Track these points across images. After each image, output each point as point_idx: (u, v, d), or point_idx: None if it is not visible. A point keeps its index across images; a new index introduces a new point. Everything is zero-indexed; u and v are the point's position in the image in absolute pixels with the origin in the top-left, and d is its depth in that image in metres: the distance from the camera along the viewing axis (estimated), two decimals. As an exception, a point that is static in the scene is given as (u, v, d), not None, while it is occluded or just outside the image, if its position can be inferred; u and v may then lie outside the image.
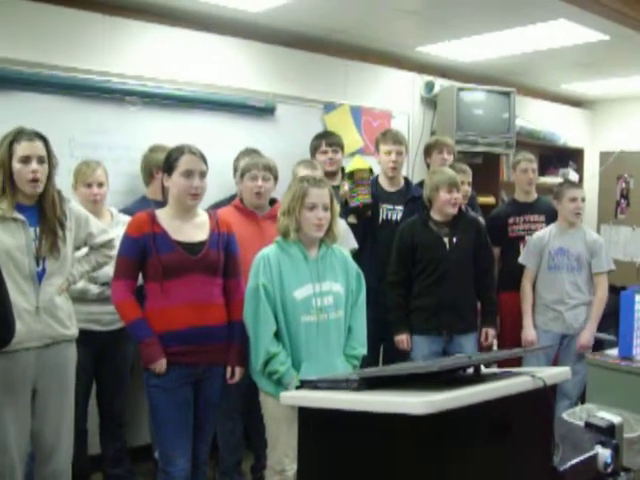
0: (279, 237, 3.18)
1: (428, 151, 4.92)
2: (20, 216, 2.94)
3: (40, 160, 2.94)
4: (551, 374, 2.03)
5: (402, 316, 4.09)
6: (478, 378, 1.96)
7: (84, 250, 3.31)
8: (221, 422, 3.70)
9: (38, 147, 2.95)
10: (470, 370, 2.09)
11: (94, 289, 3.56)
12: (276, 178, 3.79)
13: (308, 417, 1.94)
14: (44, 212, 2.99)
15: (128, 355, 3.82)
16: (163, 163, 3.20)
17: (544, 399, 1.99)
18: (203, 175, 3.13)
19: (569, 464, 2.23)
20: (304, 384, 2.09)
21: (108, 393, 3.87)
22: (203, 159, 3.16)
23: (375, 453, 1.78)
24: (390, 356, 4.29)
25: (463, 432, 1.74)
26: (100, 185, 3.79)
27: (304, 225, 3.12)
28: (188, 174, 3.09)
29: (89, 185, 3.76)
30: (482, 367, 2.17)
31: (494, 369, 2.53)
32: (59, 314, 3.04)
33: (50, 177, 3.00)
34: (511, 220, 4.98)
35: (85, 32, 4.27)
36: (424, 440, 1.68)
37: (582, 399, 4.24)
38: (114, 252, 3.24)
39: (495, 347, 5.13)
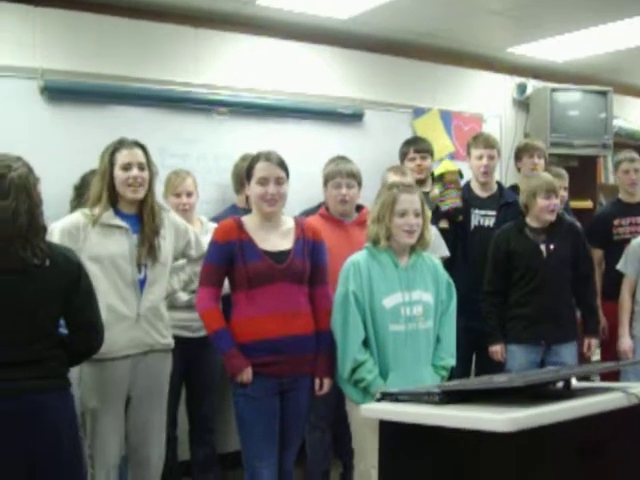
0: (369, 244, 3.14)
1: (518, 155, 4.79)
2: (124, 223, 3.03)
3: (140, 167, 3.03)
4: (647, 389, 1.92)
5: (497, 326, 3.96)
6: (568, 393, 1.87)
7: (182, 261, 3.37)
8: (309, 431, 3.68)
9: (138, 154, 3.05)
10: (560, 384, 2.00)
11: (183, 296, 3.60)
12: (360, 184, 3.74)
13: (389, 430, 1.90)
14: (143, 220, 3.06)
15: (218, 361, 3.81)
16: (245, 172, 3.22)
17: (640, 416, 1.88)
18: (280, 181, 3.10)
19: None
20: (385, 396, 2.05)
21: (197, 399, 3.92)
22: (281, 165, 3.13)
23: (457, 468, 1.72)
24: (483, 366, 4.18)
25: (550, 450, 1.66)
26: (189, 195, 3.87)
27: (395, 232, 3.07)
28: (263, 181, 3.07)
29: (178, 195, 3.84)
30: (574, 381, 2.07)
31: (589, 383, 2.41)
32: (159, 323, 3.11)
33: (150, 185, 3.08)
34: (616, 222, 4.77)
35: (176, 45, 4.39)
36: (508, 457, 1.61)
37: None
38: None
39: (598, 358, 4.94)
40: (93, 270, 2.90)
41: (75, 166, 3.74)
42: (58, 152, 3.89)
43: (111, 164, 3.02)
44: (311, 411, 3.38)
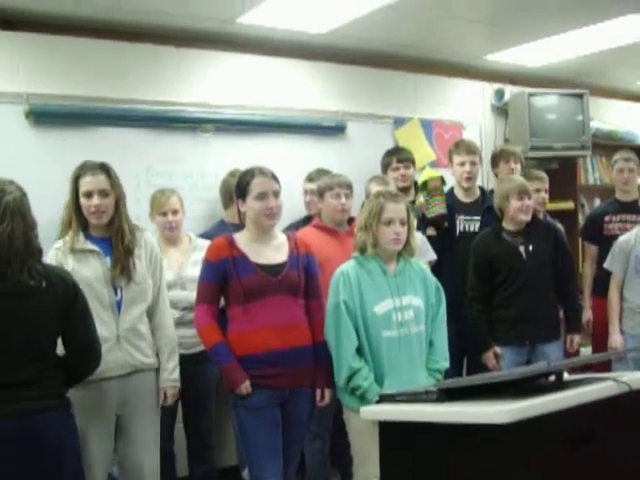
0: (356, 252, 3.18)
1: (495, 161, 4.85)
2: (95, 247, 3.03)
3: (102, 193, 3.01)
4: (637, 378, 1.97)
5: (487, 332, 3.98)
6: (560, 385, 1.92)
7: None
8: (310, 441, 3.69)
9: (100, 181, 3.02)
10: (552, 378, 2.05)
11: (175, 313, 3.60)
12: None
13: (389, 431, 1.94)
14: (113, 242, 3.05)
15: (212, 376, 3.85)
16: (235, 189, 3.23)
17: (632, 404, 1.92)
18: (277, 194, 3.14)
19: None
20: (383, 398, 2.09)
21: (194, 415, 3.92)
22: (275, 178, 3.17)
23: (459, 463, 1.76)
24: (474, 370, 4.22)
25: (545, 440, 1.70)
26: (175, 213, 3.89)
27: (381, 240, 3.11)
28: (262, 196, 3.09)
29: (164, 213, 3.87)
30: (566, 374, 2.12)
31: (581, 375, 2.46)
32: (141, 343, 3.09)
33: (118, 208, 3.06)
34: (607, 218, 4.84)
35: (159, 65, 4.44)
36: (507, 449, 1.65)
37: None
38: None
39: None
40: None
41: (62, 189, 3.73)
42: (45, 175, 3.88)
43: (76, 191, 3.03)
44: (313, 421, 3.40)
